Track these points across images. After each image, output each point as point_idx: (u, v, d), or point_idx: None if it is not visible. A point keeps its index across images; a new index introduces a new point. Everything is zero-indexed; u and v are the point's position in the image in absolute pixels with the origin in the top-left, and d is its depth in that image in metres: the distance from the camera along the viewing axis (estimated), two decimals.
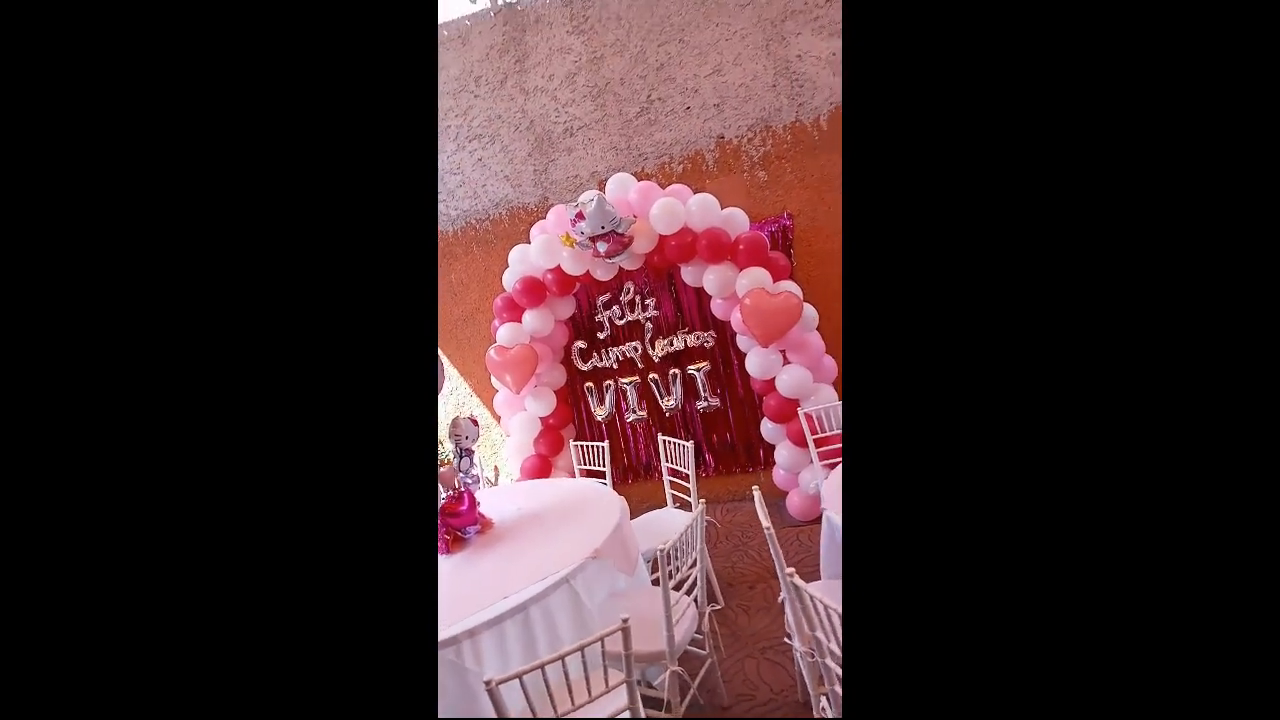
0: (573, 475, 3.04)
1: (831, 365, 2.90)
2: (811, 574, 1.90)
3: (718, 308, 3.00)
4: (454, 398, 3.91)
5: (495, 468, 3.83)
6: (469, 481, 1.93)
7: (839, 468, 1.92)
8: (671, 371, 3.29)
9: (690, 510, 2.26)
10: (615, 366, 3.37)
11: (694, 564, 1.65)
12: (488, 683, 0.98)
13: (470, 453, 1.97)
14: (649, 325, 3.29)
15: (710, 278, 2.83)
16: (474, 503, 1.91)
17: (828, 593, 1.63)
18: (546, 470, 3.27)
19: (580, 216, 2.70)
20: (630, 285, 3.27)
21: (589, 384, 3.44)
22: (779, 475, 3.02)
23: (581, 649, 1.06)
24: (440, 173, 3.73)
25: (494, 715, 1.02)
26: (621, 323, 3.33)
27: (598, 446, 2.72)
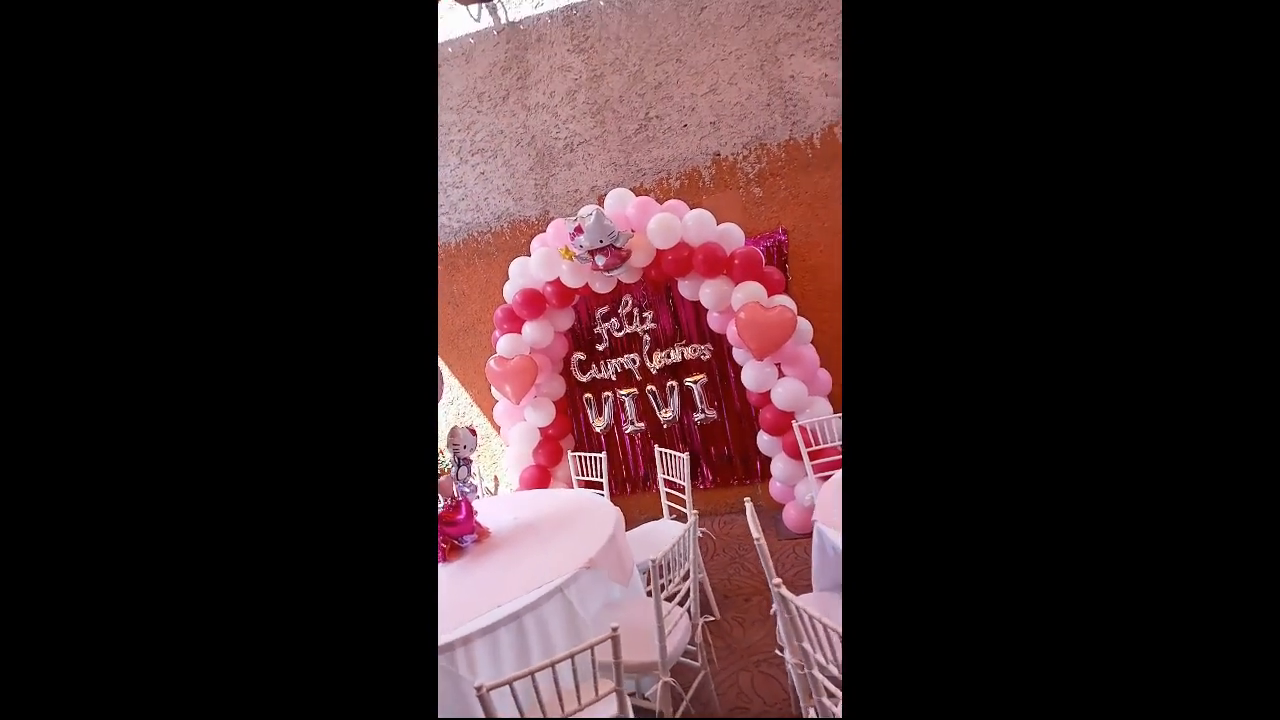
0: (571, 486, 3.06)
1: (826, 378, 2.93)
2: (806, 587, 1.92)
3: (714, 321, 3.04)
4: (454, 407, 3.94)
5: (495, 478, 3.85)
6: (467, 490, 1.95)
7: (831, 479, 1.94)
8: (669, 384, 3.32)
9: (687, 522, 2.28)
10: (614, 378, 3.41)
11: (687, 575, 1.67)
12: (479, 688, 1.00)
13: (468, 462, 2.00)
14: (647, 338, 3.33)
15: (706, 291, 2.88)
16: (471, 512, 1.94)
17: (819, 605, 1.64)
18: (545, 480, 3.29)
19: (579, 230, 2.75)
20: (628, 298, 3.31)
21: (588, 395, 3.47)
22: (775, 488, 3.03)
23: (572, 656, 1.08)
24: (443, 185, 3.79)
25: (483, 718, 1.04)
26: (620, 335, 3.37)
27: (595, 458, 2.74)
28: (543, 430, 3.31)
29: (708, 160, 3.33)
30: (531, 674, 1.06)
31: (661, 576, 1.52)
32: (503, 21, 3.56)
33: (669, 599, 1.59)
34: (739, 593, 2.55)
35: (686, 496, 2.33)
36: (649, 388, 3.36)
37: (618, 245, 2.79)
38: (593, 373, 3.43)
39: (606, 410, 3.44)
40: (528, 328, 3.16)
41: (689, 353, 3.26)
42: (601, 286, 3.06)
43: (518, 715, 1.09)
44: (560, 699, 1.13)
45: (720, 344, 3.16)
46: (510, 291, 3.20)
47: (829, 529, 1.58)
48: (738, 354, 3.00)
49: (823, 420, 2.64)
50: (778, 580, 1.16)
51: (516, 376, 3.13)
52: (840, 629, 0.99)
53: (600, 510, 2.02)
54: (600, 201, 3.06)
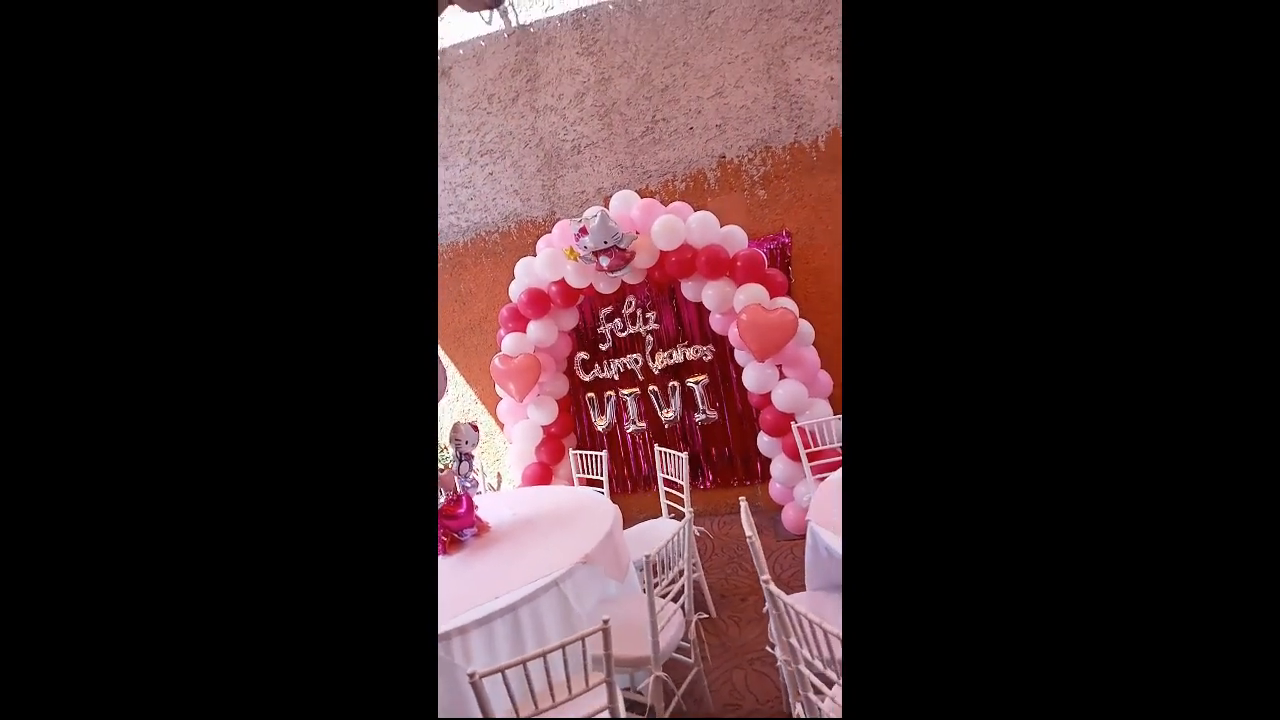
0: (572, 483, 3.09)
1: (827, 380, 2.95)
2: (801, 587, 1.93)
3: (716, 322, 3.07)
4: (459, 404, 3.99)
5: (499, 475, 3.90)
6: (467, 485, 1.99)
7: (826, 480, 1.96)
8: (671, 384, 3.35)
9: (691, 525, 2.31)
10: (616, 378, 3.44)
11: (681, 572, 1.69)
12: (471, 675, 1.03)
13: (470, 457, 2.04)
14: (650, 338, 3.36)
15: (709, 293, 2.90)
16: (472, 506, 1.97)
17: (811, 604, 1.66)
18: (547, 478, 3.33)
19: (584, 231, 2.79)
20: (632, 299, 3.34)
21: (590, 394, 3.50)
22: (775, 489, 3.05)
23: (563, 647, 1.11)
24: (452, 186, 3.85)
25: (478, 708, 1.07)
26: (623, 335, 3.40)
27: (597, 456, 2.77)
28: (545, 428, 3.35)
29: (713, 163, 3.35)
30: (523, 663, 1.09)
31: (656, 574, 1.54)
32: (513, 24, 3.61)
33: (663, 596, 1.61)
34: (736, 592, 2.57)
35: (685, 495, 2.35)
36: (651, 388, 3.39)
37: (622, 246, 2.82)
38: (596, 372, 3.46)
39: (609, 409, 3.47)
40: (532, 327, 3.20)
41: (691, 353, 3.28)
42: (605, 287, 3.09)
43: (510, 704, 1.12)
44: (551, 690, 1.15)
45: (722, 345, 3.18)
46: (516, 291, 3.24)
47: (822, 529, 1.60)
48: (739, 355, 3.02)
49: (822, 422, 2.65)
50: (766, 576, 1.19)
51: (520, 375, 3.17)
52: (828, 626, 1.01)
53: (599, 507, 2.05)
54: (606, 203, 3.09)
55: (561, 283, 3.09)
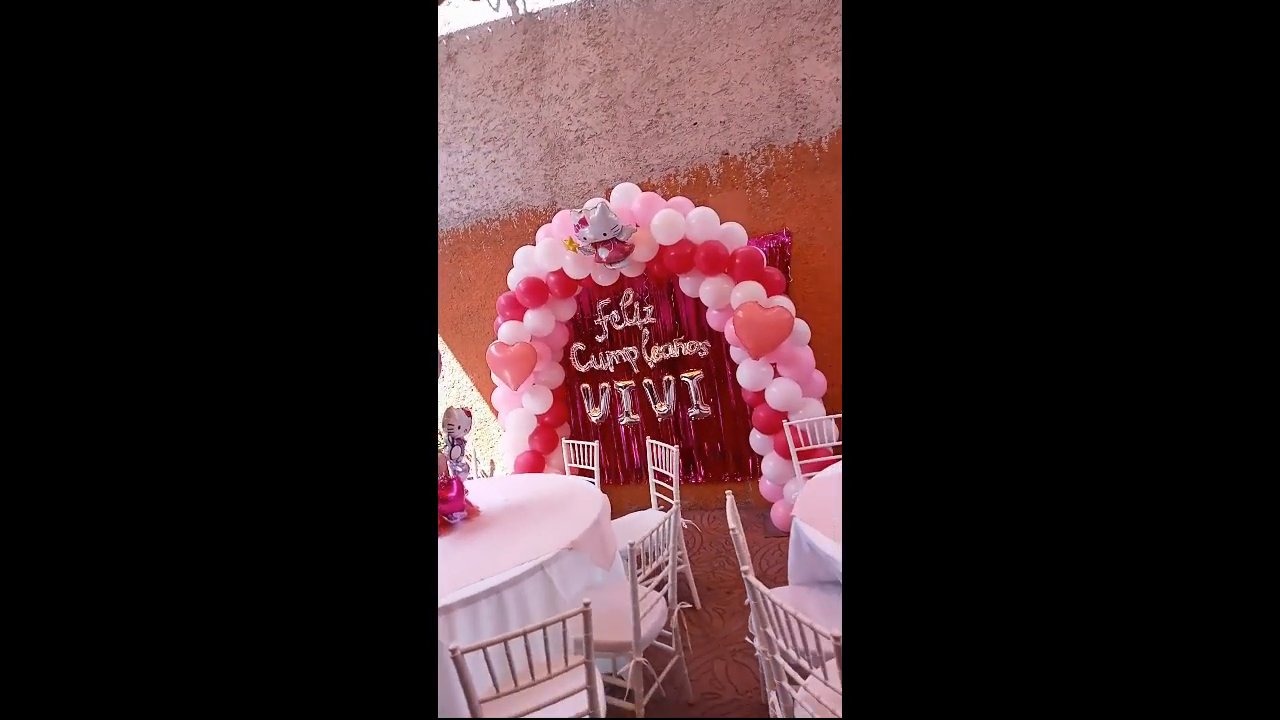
0: (564, 473, 3.12)
1: (821, 380, 2.97)
2: (786, 582, 1.96)
3: (713, 319, 3.08)
4: (455, 390, 4.01)
5: (491, 461, 3.92)
6: (459, 470, 2.01)
7: (814, 479, 1.99)
8: (666, 378, 3.37)
9: (678, 516, 2.33)
10: (612, 370, 3.46)
11: (666, 561, 1.72)
12: (453, 650, 1.06)
13: (462, 442, 2.06)
14: (646, 331, 3.37)
15: (707, 289, 2.91)
16: (463, 490, 2.00)
17: (792, 597, 1.69)
18: (540, 466, 3.35)
19: (584, 222, 2.80)
20: (630, 292, 3.35)
21: (585, 385, 3.52)
22: (765, 486, 3.08)
23: (544, 627, 1.14)
24: (455, 172, 3.85)
25: (459, 683, 1.10)
26: (620, 327, 3.41)
27: (589, 446, 2.80)
28: (539, 417, 3.37)
29: (716, 159, 3.36)
30: (505, 641, 1.11)
31: (641, 564, 1.57)
32: (520, 12, 3.60)
33: (646, 584, 1.64)
34: (721, 585, 2.60)
35: (674, 488, 2.38)
36: (646, 381, 3.41)
37: (621, 239, 2.83)
38: (591, 363, 3.48)
39: (603, 401, 3.49)
40: (530, 316, 3.22)
41: (687, 348, 3.30)
42: (604, 279, 3.11)
43: (491, 680, 1.14)
44: (532, 669, 1.18)
45: (719, 341, 3.20)
46: (514, 279, 3.25)
47: (806, 525, 1.63)
48: (735, 352, 3.04)
49: (814, 421, 2.68)
50: (746, 567, 1.21)
51: (516, 363, 3.18)
52: (803, 617, 1.03)
53: (587, 496, 2.08)
54: (607, 195, 3.10)
55: (560, 273, 3.10)
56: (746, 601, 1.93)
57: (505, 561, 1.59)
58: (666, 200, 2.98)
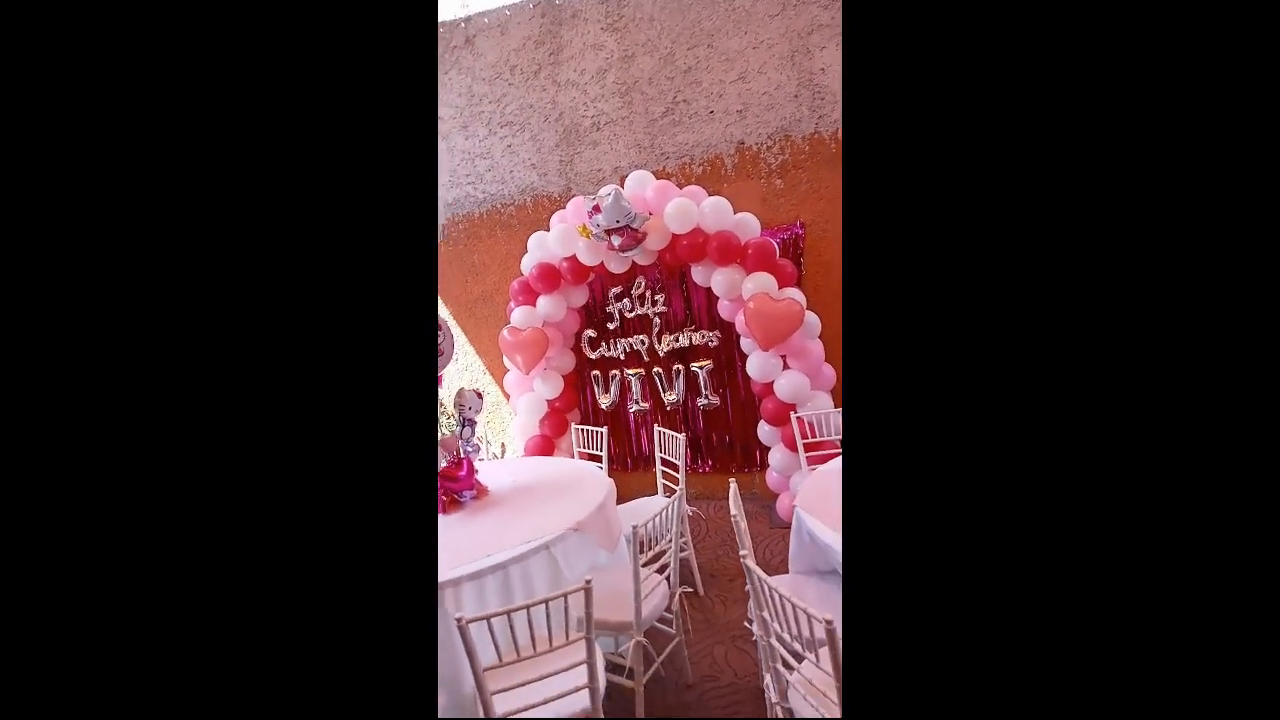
0: (573, 458, 3.17)
1: (830, 373, 2.97)
2: (787, 571, 1.99)
3: (724, 309, 3.09)
4: (467, 374, 4.07)
5: (503, 444, 3.99)
6: (469, 450, 2.06)
7: (818, 470, 2.00)
8: (676, 367, 3.39)
9: (683, 503, 2.37)
10: (622, 357, 3.48)
11: (669, 543, 1.75)
12: (459, 619, 1.10)
13: (472, 423, 2.10)
14: (657, 320, 3.39)
15: (718, 279, 2.92)
16: (472, 470, 2.04)
17: (791, 585, 1.72)
18: (549, 450, 3.40)
19: (597, 209, 2.81)
20: (642, 280, 3.37)
21: (596, 372, 3.56)
22: (772, 477, 3.10)
23: (546, 602, 1.18)
24: (471, 156, 3.87)
25: (464, 652, 1.14)
26: (631, 315, 3.43)
27: (598, 432, 2.84)
28: (550, 402, 3.41)
29: (731, 148, 3.34)
30: (508, 613, 1.15)
31: (644, 550, 1.61)
32: None
33: (647, 565, 1.68)
34: (725, 573, 2.64)
35: (681, 475, 2.41)
36: (655, 369, 3.43)
37: (634, 226, 2.84)
38: (602, 350, 3.51)
39: (613, 388, 3.52)
40: (542, 301, 3.25)
41: (697, 338, 3.32)
42: (616, 266, 3.12)
43: (495, 651, 1.19)
44: (534, 642, 1.22)
45: (729, 332, 3.21)
46: (528, 264, 3.28)
47: (808, 515, 1.65)
48: (745, 343, 3.05)
49: (821, 414, 2.69)
50: (745, 552, 1.24)
51: (528, 348, 3.22)
52: (797, 601, 1.06)
53: (594, 480, 2.12)
54: (622, 182, 3.10)
55: (573, 259, 3.12)
56: (747, 588, 1.96)
57: (512, 539, 1.64)
58: (680, 189, 2.98)
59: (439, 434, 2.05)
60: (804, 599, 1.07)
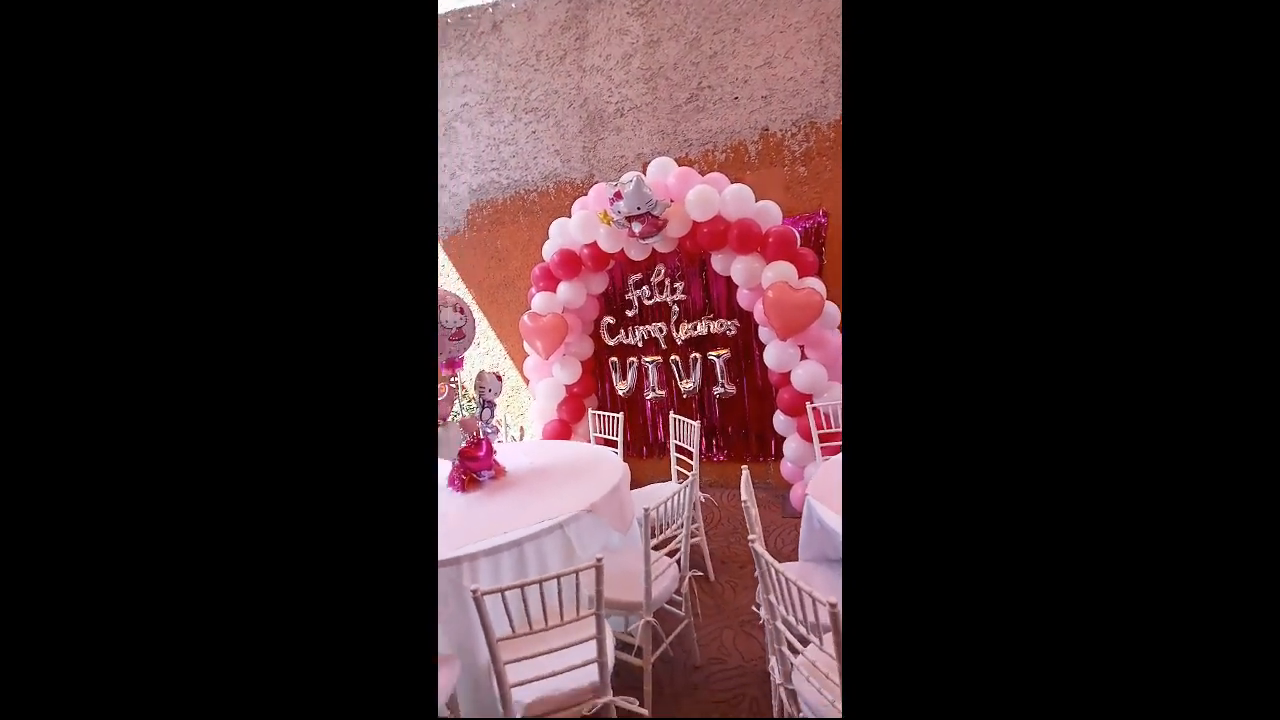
0: (589, 442, 3.21)
1: None
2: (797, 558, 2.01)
3: (743, 298, 3.08)
4: (488, 358, 4.14)
5: (521, 428, 4.06)
6: (488, 431, 2.11)
7: (830, 460, 2.00)
8: (693, 355, 3.40)
9: (695, 489, 2.39)
10: (640, 345, 3.51)
11: (680, 527, 1.78)
12: (474, 591, 1.15)
13: (492, 405, 2.15)
14: (676, 308, 3.40)
15: (738, 267, 2.91)
16: (491, 450, 2.10)
17: (801, 572, 1.74)
18: (566, 435, 3.46)
19: (618, 196, 2.82)
20: (661, 267, 3.37)
21: (614, 359, 3.59)
22: (786, 468, 3.10)
23: (559, 577, 1.22)
24: (497, 142, 3.90)
25: (479, 623, 1.19)
26: (650, 303, 3.45)
27: (614, 418, 2.87)
28: (568, 387, 3.46)
29: (755, 135, 3.30)
30: (522, 586, 1.20)
31: (655, 533, 1.64)
32: None
33: (659, 548, 1.71)
34: (736, 560, 2.66)
35: (694, 461, 2.43)
36: (673, 357, 3.45)
37: (655, 214, 2.84)
38: (620, 337, 3.53)
39: (630, 375, 3.55)
40: (562, 287, 3.28)
41: (715, 326, 3.31)
42: (636, 253, 3.13)
43: (508, 623, 1.24)
44: (545, 616, 1.27)
45: (748, 321, 3.20)
46: (549, 251, 3.31)
47: (819, 504, 1.66)
48: (764, 333, 3.04)
49: (838, 405, 2.67)
50: (754, 536, 1.26)
51: (548, 333, 3.27)
52: (803, 585, 1.08)
53: (609, 463, 2.16)
54: (644, 169, 3.10)
55: (594, 246, 3.14)
56: (757, 574, 1.99)
57: (527, 518, 1.68)
58: (703, 176, 2.96)
59: (459, 415, 2.10)
60: (811, 585, 1.09)
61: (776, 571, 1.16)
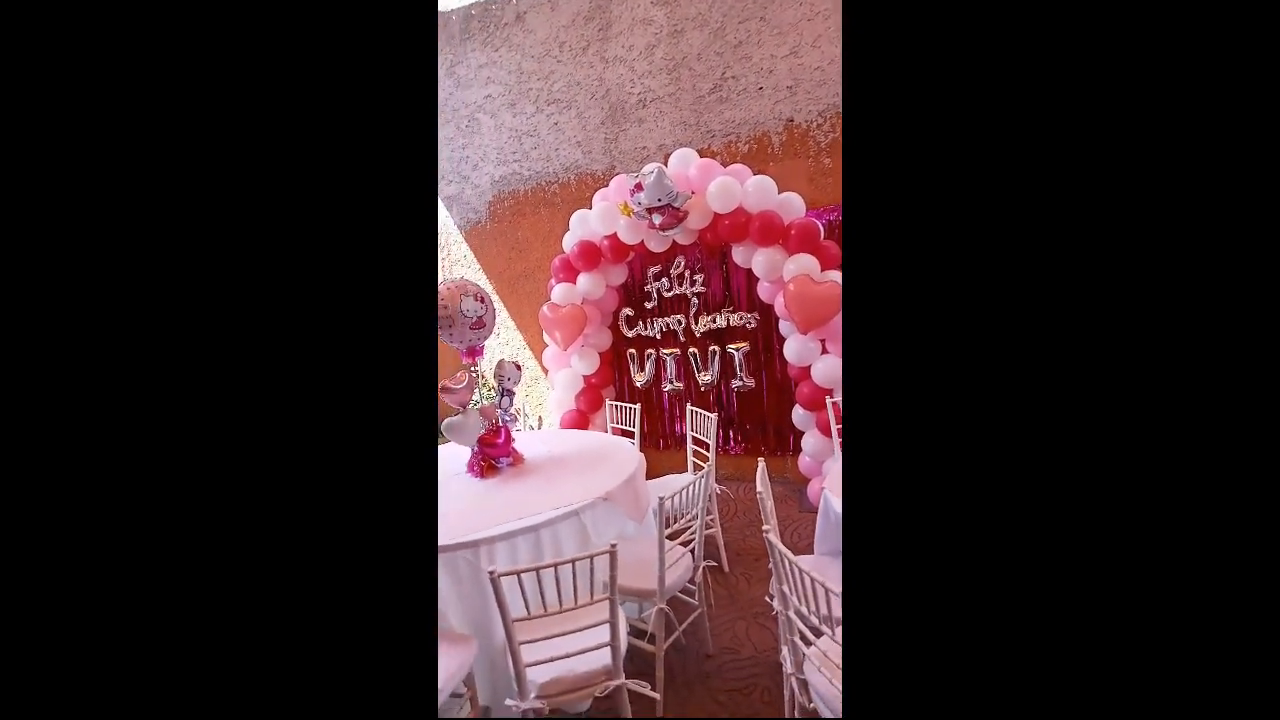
0: (606, 432, 3.24)
1: None
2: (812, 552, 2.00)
3: (764, 291, 3.05)
4: (508, 348, 4.19)
5: (539, 417, 4.11)
6: (507, 419, 2.15)
7: None
8: (711, 348, 3.39)
9: (711, 480, 2.39)
10: (659, 336, 3.51)
11: (694, 517, 1.79)
12: (491, 572, 1.17)
13: (511, 393, 2.18)
14: (695, 300, 3.39)
15: (759, 259, 2.88)
16: (509, 437, 2.13)
17: (815, 565, 1.73)
18: (584, 425, 3.49)
19: (639, 187, 2.81)
20: (681, 259, 3.36)
21: (632, 350, 3.60)
22: (804, 462, 3.08)
23: (573, 561, 1.24)
24: (519, 134, 3.93)
25: (496, 603, 1.22)
26: (669, 295, 3.44)
27: (632, 409, 2.89)
28: (586, 378, 3.48)
29: (779, 126, 3.26)
30: (537, 570, 1.22)
31: (670, 523, 1.65)
32: None
33: (673, 538, 1.72)
34: (750, 553, 2.66)
35: (710, 453, 2.43)
36: (691, 350, 3.44)
37: (675, 205, 2.83)
38: (639, 329, 3.54)
39: (648, 367, 3.56)
40: (582, 279, 3.30)
41: (735, 319, 3.30)
42: (656, 245, 3.13)
43: (524, 605, 1.26)
44: (560, 599, 1.29)
45: (768, 314, 3.17)
46: (569, 242, 3.32)
47: (834, 497, 1.65)
48: (784, 326, 3.01)
49: None
50: (768, 526, 1.26)
51: (567, 324, 3.29)
52: (816, 576, 1.08)
53: (625, 453, 2.17)
54: (666, 160, 3.09)
55: (614, 237, 3.15)
56: (771, 566, 1.98)
57: (544, 505, 1.71)
58: (725, 167, 2.94)
59: (479, 403, 2.14)
60: (825, 577, 1.09)
61: (790, 562, 1.16)
